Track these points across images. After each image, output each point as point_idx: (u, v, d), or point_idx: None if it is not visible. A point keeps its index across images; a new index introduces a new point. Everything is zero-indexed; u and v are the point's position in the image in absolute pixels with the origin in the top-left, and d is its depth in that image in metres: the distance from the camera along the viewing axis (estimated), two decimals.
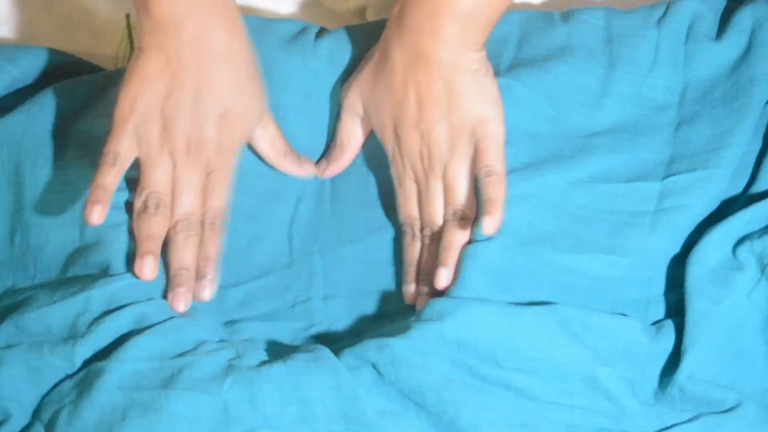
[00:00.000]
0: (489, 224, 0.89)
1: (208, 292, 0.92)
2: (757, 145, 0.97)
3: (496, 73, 0.97)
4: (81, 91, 1.01)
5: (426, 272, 0.93)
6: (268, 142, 0.97)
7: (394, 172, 0.96)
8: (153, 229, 0.91)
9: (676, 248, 0.94)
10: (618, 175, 0.96)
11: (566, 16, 1.02)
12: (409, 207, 0.96)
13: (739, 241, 0.91)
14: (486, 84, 0.94)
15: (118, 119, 0.91)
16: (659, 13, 1.02)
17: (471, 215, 0.93)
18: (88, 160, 0.93)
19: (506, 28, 1.01)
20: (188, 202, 0.92)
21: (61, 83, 1.01)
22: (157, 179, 0.92)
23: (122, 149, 0.91)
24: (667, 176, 0.95)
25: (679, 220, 0.93)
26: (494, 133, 0.92)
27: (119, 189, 0.93)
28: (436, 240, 0.94)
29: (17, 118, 0.98)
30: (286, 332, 0.95)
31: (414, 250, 0.95)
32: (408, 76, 0.93)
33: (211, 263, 0.93)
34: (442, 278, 0.91)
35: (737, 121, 0.96)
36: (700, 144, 0.96)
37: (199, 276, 0.92)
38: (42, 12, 1.17)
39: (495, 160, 0.91)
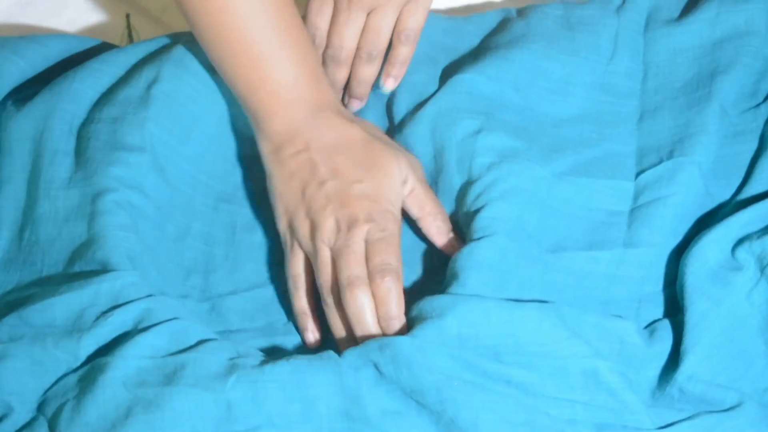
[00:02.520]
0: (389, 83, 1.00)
1: None
2: (753, 145, 0.97)
3: (460, 71, 0.98)
4: (99, 76, 1.00)
5: None
6: (417, 204, 0.96)
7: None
8: (340, 321, 0.93)
9: (661, 244, 0.93)
10: (595, 170, 0.96)
11: (522, 12, 1.04)
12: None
13: (738, 242, 0.91)
14: None
15: (284, 243, 0.95)
16: (617, 2, 1.03)
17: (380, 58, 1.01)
18: (109, 151, 0.95)
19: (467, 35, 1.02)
20: (352, 266, 0.91)
21: (78, 69, 1.01)
22: (323, 270, 0.92)
23: (297, 269, 0.94)
24: (639, 173, 0.96)
25: (654, 212, 0.93)
26: None
27: (126, 187, 0.94)
28: None
29: (36, 111, 0.98)
30: (285, 347, 0.95)
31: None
32: None
33: (395, 320, 0.90)
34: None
35: (699, 111, 0.96)
36: (663, 136, 0.97)
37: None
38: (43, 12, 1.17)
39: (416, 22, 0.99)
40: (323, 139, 0.95)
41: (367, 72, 1.01)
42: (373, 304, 0.90)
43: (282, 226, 0.95)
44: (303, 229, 0.93)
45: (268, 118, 0.96)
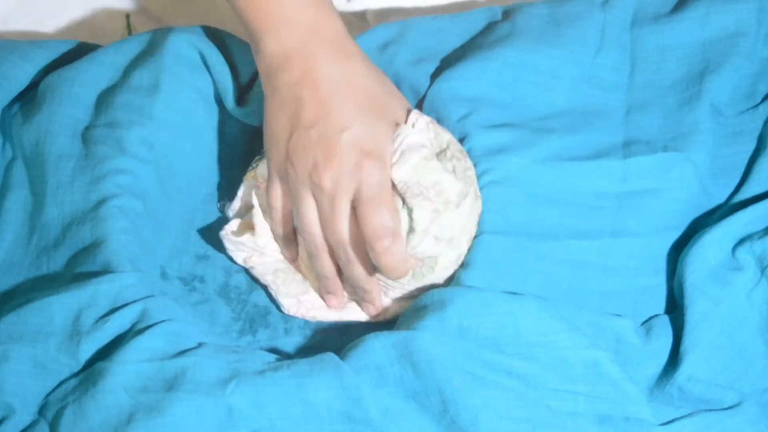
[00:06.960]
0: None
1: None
2: (751, 145, 0.97)
3: (439, 78, 0.97)
4: (98, 79, 1.00)
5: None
6: None
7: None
8: (321, 269, 0.93)
9: (651, 235, 0.93)
10: (579, 153, 0.95)
11: (508, 13, 1.04)
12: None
13: (739, 242, 0.91)
14: None
15: (269, 170, 0.93)
16: None
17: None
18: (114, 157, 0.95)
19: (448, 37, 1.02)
20: (336, 230, 0.90)
21: (76, 72, 1.00)
22: (304, 218, 0.91)
23: (273, 200, 0.93)
24: (628, 157, 0.95)
25: (643, 203, 0.93)
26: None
27: (124, 194, 0.94)
28: None
29: (38, 117, 0.98)
30: (285, 348, 0.95)
31: None
32: None
33: (399, 271, 0.91)
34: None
35: (690, 109, 0.97)
36: (654, 132, 0.97)
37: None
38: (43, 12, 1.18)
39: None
40: (319, 71, 0.90)
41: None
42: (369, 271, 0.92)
43: (268, 160, 0.93)
44: (288, 171, 0.91)
45: (262, 36, 0.92)
